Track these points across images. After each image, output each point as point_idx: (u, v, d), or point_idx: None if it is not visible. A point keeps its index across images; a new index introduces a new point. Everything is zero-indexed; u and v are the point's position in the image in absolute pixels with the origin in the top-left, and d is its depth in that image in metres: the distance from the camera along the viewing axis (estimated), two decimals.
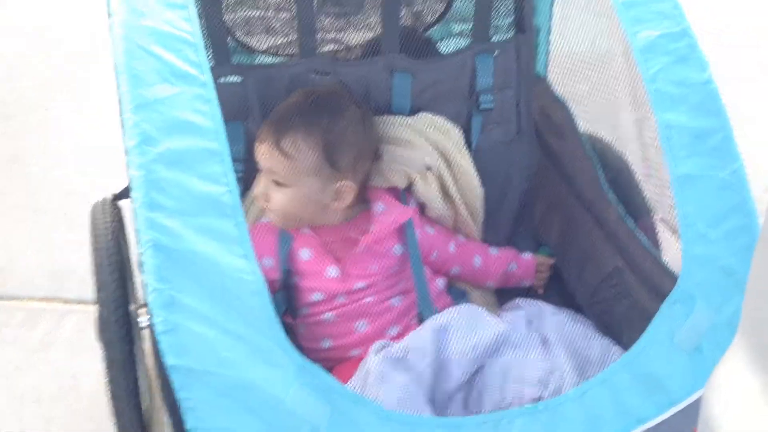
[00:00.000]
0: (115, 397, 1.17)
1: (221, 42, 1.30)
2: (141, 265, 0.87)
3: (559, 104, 1.41)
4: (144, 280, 0.86)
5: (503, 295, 1.40)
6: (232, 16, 1.30)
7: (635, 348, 0.99)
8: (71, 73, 2.56)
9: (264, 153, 1.21)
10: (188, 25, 0.95)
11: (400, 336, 1.22)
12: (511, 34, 1.41)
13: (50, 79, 2.54)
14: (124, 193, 1.44)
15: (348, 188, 1.22)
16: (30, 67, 2.61)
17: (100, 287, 1.21)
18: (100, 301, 1.21)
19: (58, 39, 2.73)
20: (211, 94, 0.92)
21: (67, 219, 1.99)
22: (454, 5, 1.39)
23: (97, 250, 1.26)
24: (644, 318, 1.03)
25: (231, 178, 0.90)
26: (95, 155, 2.18)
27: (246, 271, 0.87)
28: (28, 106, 2.43)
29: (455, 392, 1.12)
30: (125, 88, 0.90)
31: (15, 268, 1.89)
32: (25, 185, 2.14)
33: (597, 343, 1.16)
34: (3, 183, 2.14)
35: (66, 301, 1.80)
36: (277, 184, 1.21)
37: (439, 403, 1.10)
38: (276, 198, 1.22)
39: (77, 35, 2.72)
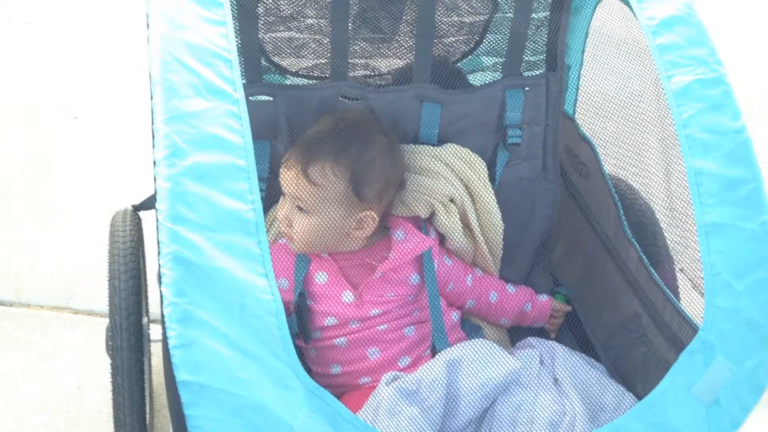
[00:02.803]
0: (119, 406, 1.16)
1: (254, 60, 1.31)
2: (160, 277, 0.87)
3: (586, 143, 1.41)
4: (162, 293, 0.86)
5: (516, 334, 1.38)
6: (267, 36, 1.31)
7: (650, 397, 0.97)
8: (103, 81, 2.58)
9: (290, 179, 1.21)
10: (225, 42, 0.96)
11: (411, 367, 1.21)
12: (542, 70, 1.41)
13: (81, 86, 2.56)
14: (146, 204, 1.44)
15: (371, 218, 1.22)
16: (61, 72, 2.64)
17: (114, 293, 1.20)
18: (113, 307, 1.20)
19: (91, 47, 2.76)
20: (243, 111, 0.93)
21: (88, 228, 2.00)
22: (487, 38, 1.40)
23: (113, 256, 1.26)
24: (660, 367, 1.02)
25: (256, 195, 0.90)
26: (122, 165, 2.20)
27: (266, 290, 0.87)
28: (58, 111, 2.45)
29: (464, 429, 1.10)
30: (158, 98, 0.91)
31: (35, 273, 1.89)
32: (51, 189, 2.14)
33: (610, 390, 1.15)
34: (29, 185, 2.16)
35: (76, 311, 1.80)
36: (301, 210, 1.21)
37: None
38: (299, 224, 1.21)
39: (109, 45, 2.76)
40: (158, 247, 0.87)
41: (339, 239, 1.23)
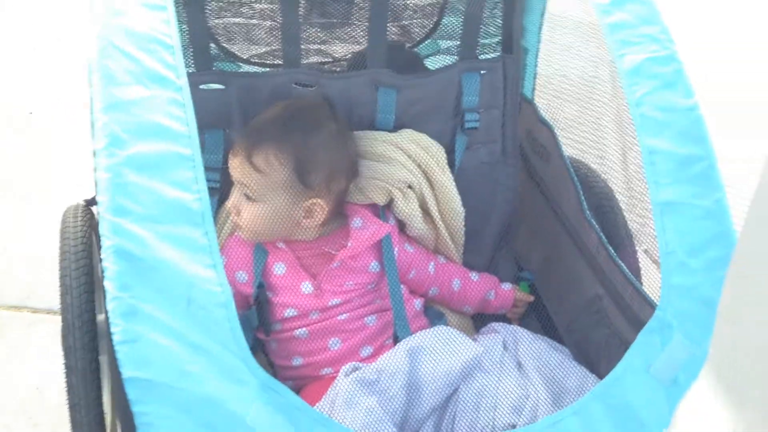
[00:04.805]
0: (74, 407, 1.13)
1: (204, 48, 1.28)
2: (103, 271, 0.84)
3: (545, 127, 1.40)
4: (105, 288, 0.83)
5: (480, 321, 1.38)
6: (215, 22, 1.28)
7: (610, 377, 0.97)
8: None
9: (236, 166, 1.19)
10: (166, 27, 0.93)
11: (373, 356, 1.19)
12: (498, 53, 1.40)
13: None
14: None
15: (319, 206, 1.20)
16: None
17: (65, 291, 1.17)
18: (64, 305, 1.17)
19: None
20: (187, 98, 0.90)
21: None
22: (443, 21, 1.38)
23: (64, 253, 1.23)
24: (623, 347, 1.02)
25: (202, 185, 0.87)
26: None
27: (213, 282, 0.84)
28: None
29: (427, 417, 1.09)
30: (97, 86, 0.88)
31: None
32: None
33: (574, 372, 1.14)
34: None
35: (35, 311, 1.76)
36: (248, 198, 1.19)
37: (410, 428, 1.07)
38: (246, 212, 1.19)
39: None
40: (100, 240, 0.85)
41: (288, 228, 1.21)
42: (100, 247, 1.35)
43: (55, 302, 1.70)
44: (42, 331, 1.70)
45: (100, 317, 1.25)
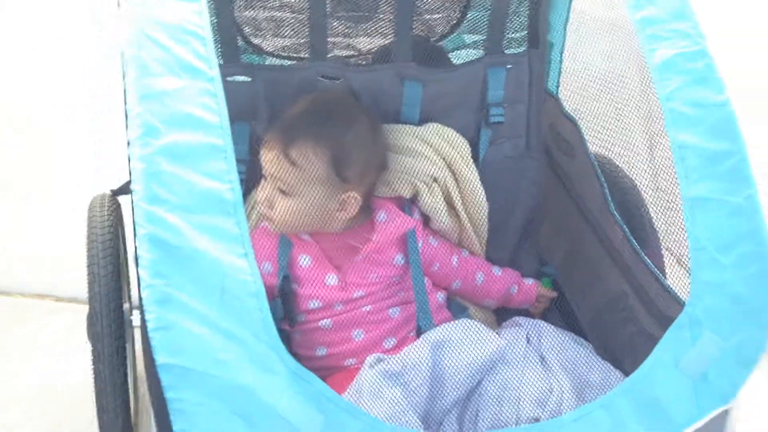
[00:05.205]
0: (101, 393, 1.15)
1: (231, 40, 1.28)
2: (137, 259, 0.85)
3: (570, 122, 1.40)
4: (139, 275, 0.84)
5: (502, 316, 1.38)
6: (243, 14, 1.29)
7: (638, 372, 0.96)
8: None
9: (271, 160, 1.19)
10: (198, 18, 0.94)
11: (396, 348, 1.20)
12: (524, 47, 1.39)
13: (78, 80, 2.52)
14: (124, 189, 1.42)
15: (354, 199, 1.21)
16: (59, 67, 2.59)
17: (93, 279, 1.19)
18: (92, 293, 1.18)
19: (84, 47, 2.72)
20: (219, 89, 0.91)
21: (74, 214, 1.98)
22: (468, 15, 1.38)
23: (92, 242, 1.24)
24: (648, 344, 1.01)
25: (234, 175, 0.88)
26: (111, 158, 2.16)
27: (246, 271, 0.85)
28: (53, 106, 2.40)
29: (451, 409, 1.09)
30: (131, 77, 0.89)
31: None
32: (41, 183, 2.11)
33: (598, 367, 1.14)
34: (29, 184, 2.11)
35: (58, 299, 1.77)
36: (282, 192, 1.19)
37: (433, 420, 1.08)
38: (280, 206, 1.20)
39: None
40: (134, 228, 0.85)
41: (322, 221, 1.21)
42: (124, 239, 1.38)
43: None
44: (64, 319, 1.70)
45: (125, 306, 1.27)
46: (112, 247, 1.25)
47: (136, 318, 1.27)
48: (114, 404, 1.16)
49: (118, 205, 1.41)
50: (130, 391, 1.26)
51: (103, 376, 1.16)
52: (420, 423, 1.02)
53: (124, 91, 0.91)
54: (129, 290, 1.40)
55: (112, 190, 1.43)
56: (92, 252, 1.23)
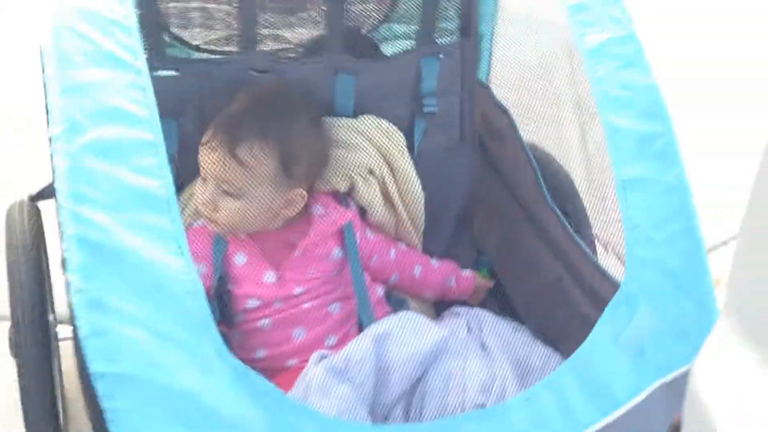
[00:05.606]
0: (28, 408, 1.08)
1: (156, 32, 1.23)
2: (64, 263, 0.80)
3: (501, 111, 1.41)
4: (67, 280, 0.79)
5: (441, 308, 1.38)
6: (168, 6, 1.24)
7: (580, 351, 0.98)
8: None
9: (215, 161, 1.14)
10: (121, 7, 0.89)
11: (338, 346, 1.18)
12: (455, 38, 1.40)
13: None
14: (44, 193, 1.35)
15: (300, 196, 1.19)
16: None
17: (14, 286, 1.12)
18: (13, 300, 1.12)
19: None
20: (146, 81, 0.87)
21: None
22: (399, 6, 1.37)
23: (11, 248, 1.18)
24: (584, 326, 1.03)
25: (166, 171, 0.85)
26: None
27: (181, 270, 0.82)
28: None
29: (397, 401, 1.09)
30: (52, 69, 0.84)
31: None
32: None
33: (538, 351, 1.16)
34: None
35: None
36: (227, 193, 1.15)
37: (380, 413, 1.07)
38: (225, 207, 1.16)
39: None
40: (60, 230, 0.81)
41: (267, 219, 1.19)
42: (46, 249, 1.31)
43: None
44: None
45: (50, 317, 1.20)
46: (34, 251, 1.19)
47: (62, 331, 1.21)
48: (43, 418, 1.10)
49: (38, 211, 1.34)
50: (59, 405, 1.19)
51: (30, 390, 1.09)
52: (369, 417, 1.01)
53: (44, 85, 0.86)
54: (52, 302, 1.33)
55: (30, 196, 1.35)
56: (12, 258, 1.17)
